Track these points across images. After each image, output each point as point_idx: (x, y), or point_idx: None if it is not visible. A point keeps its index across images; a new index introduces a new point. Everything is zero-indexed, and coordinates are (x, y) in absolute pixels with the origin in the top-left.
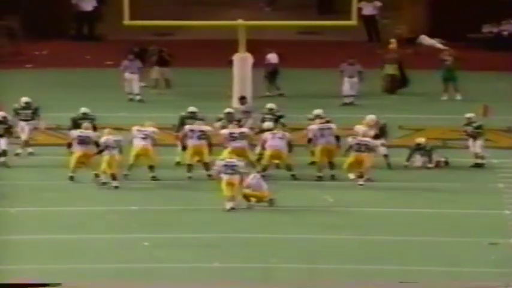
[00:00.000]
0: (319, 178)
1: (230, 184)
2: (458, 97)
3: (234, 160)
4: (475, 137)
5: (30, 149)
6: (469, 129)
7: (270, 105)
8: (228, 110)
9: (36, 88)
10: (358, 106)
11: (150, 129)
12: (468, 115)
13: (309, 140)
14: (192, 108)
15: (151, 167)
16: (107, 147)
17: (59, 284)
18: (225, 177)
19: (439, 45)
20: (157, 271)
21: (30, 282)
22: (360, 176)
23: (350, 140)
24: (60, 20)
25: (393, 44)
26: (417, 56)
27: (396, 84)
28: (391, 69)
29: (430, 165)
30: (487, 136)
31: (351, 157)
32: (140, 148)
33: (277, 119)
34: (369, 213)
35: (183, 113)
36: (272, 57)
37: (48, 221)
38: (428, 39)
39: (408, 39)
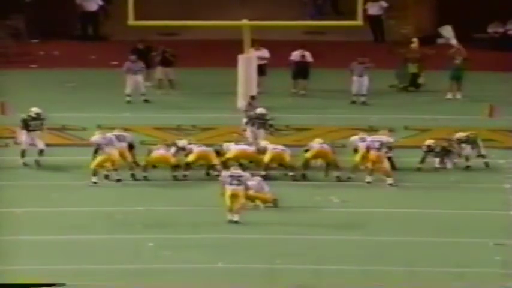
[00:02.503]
0: (303, 176)
1: (235, 196)
2: (459, 96)
3: (240, 171)
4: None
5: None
6: (468, 146)
7: (260, 110)
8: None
9: (41, 88)
10: (366, 105)
11: (181, 142)
12: (458, 136)
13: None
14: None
15: (175, 167)
16: (99, 145)
17: (63, 284)
18: (230, 188)
19: (454, 41)
20: (161, 272)
21: (34, 283)
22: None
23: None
24: (65, 20)
25: (415, 43)
26: (438, 57)
27: (417, 83)
28: (413, 68)
29: (448, 167)
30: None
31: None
32: (160, 155)
33: (266, 124)
34: (374, 214)
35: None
36: (303, 54)
37: (53, 222)
38: (448, 31)
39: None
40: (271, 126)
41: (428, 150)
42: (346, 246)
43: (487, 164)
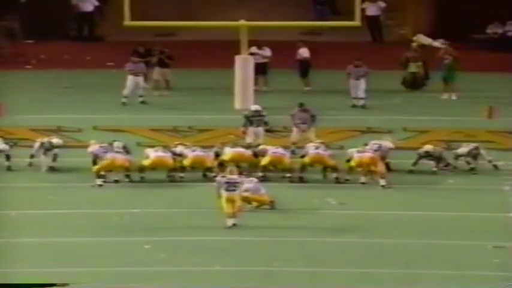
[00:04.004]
0: (300, 179)
1: (230, 201)
2: (454, 97)
3: (236, 177)
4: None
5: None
6: (468, 158)
7: (255, 107)
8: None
9: (36, 89)
10: (364, 107)
11: (178, 148)
12: (460, 151)
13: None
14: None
15: (173, 170)
16: (96, 156)
17: (65, 284)
18: (225, 194)
19: (436, 44)
20: (158, 274)
21: (33, 283)
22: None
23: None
24: (61, 20)
25: (415, 42)
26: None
27: (418, 82)
28: (413, 67)
29: (445, 168)
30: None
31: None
32: (156, 158)
33: (263, 121)
34: (372, 216)
35: None
36: (303, 52)
37: (48, 224)
38: (425, 38)
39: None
40: (266, 123)
41: (426, 155)
42: (344, 249)
43: (496, 167)
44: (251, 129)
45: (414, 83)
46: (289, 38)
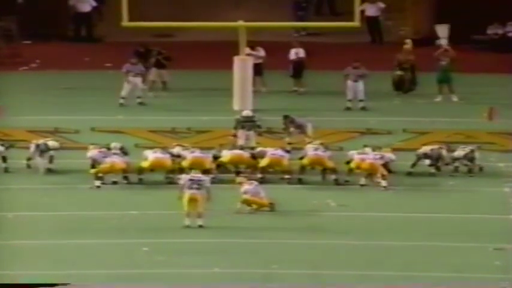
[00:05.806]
0: (299, 180)
1: (193, 200)
2: (455, 98)
3: (201, 175)
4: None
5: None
6: (464, 160)
7: (246, 112)
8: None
9: (34, 90)
10: (364, 109)
11: (176, 149)
12: (456, 154)
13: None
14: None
15: (172, 171)
16: (95, 160)
17: (67, 284)
18: (188, 192)
19: (443, 42)
20: (156, 277)
21: (31, 283)
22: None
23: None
24: (58, 21)
25: (408, 44)
26: (430, 59)
27: (405, 85)
28: (400, 70)
29: (447, 168)
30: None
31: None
32: (155, 159)
33: (255, 125)
34: (372, 218)
35: None
36: (298, 52)
37: (45, 226)
38: (443, 31)
39: (413, 40)
40: (258, 127)
41: (424, 157)
42: (343, 251)
43: (481, 169)
44: (242, 132)
45: (400, 86)
46: (287, 39)
